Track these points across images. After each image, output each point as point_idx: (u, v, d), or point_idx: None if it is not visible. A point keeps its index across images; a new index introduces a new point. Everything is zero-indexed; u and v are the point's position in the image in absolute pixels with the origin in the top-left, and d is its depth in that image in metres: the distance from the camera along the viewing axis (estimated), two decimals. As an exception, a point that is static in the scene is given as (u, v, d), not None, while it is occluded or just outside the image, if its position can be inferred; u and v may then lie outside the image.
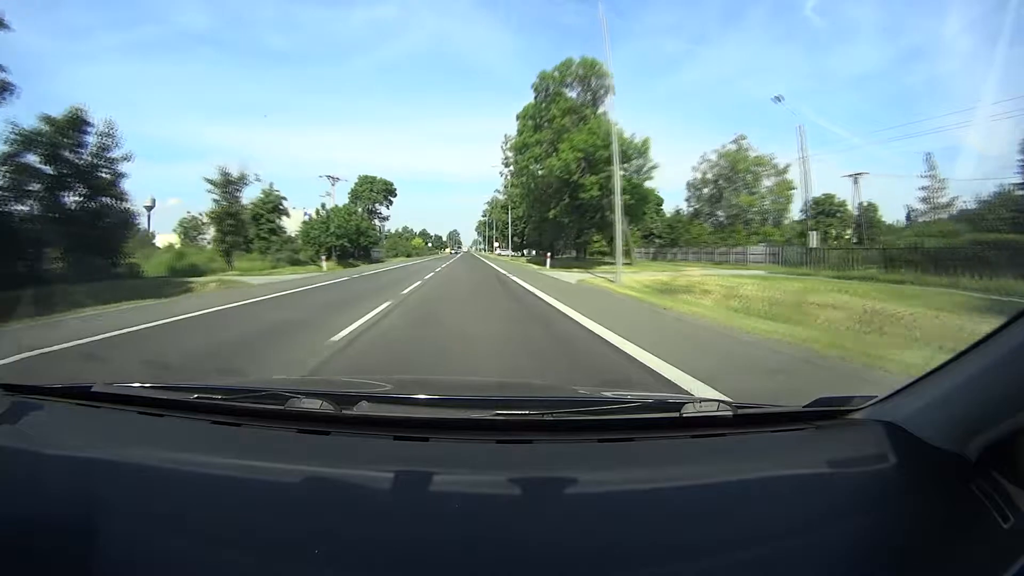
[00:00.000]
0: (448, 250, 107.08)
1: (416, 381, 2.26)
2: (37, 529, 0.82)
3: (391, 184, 60.05)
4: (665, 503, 0.91)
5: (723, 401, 1.23)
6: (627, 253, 24.82)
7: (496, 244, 78.68)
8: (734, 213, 37.76)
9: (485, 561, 0.76)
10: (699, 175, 40.24)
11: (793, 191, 35.34)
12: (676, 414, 1.14)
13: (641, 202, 28.90)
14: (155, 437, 1.14)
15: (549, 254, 29.07)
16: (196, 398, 1.26)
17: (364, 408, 1.17)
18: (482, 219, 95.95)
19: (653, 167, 28.42)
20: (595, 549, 0.78)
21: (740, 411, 1.13)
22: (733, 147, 38.35)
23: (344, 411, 1.14)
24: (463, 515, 0.86)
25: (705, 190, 40.14)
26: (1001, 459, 0.85)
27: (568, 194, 27.68)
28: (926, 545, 0.79)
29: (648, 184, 28.98)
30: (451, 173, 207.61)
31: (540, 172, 28.99)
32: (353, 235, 39.86)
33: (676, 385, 3.69)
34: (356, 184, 57.37)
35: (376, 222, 56.85)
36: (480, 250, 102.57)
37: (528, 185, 33.83)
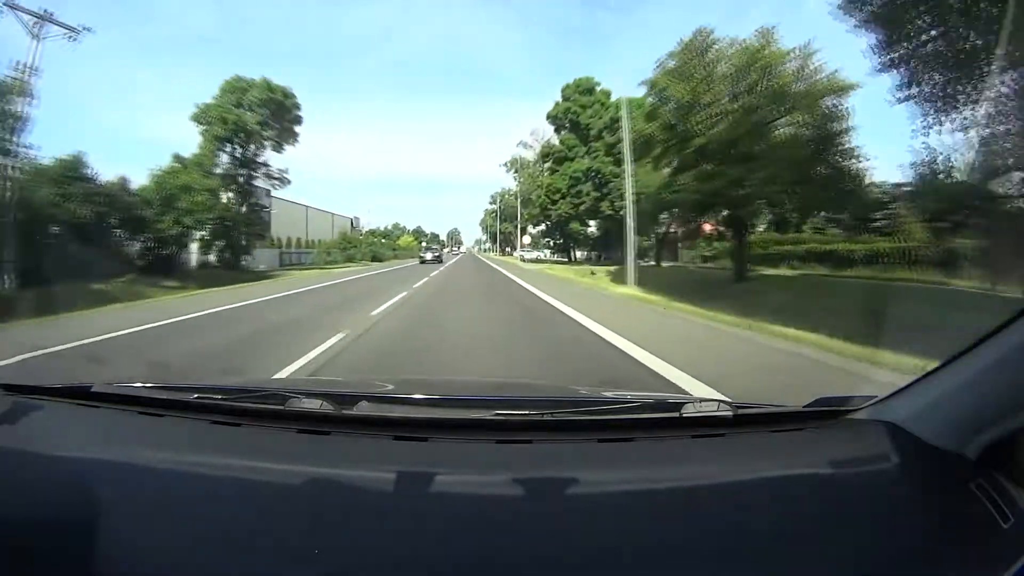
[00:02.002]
0: (429, 253, 46.84)
1: (416, 381, 2.26)
2: (37, 529, 0.82)
3: (291, 96, 26.09)
4: (665, 503, 0.91)
5: (723, 401, 1.23)
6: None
7: (525, 240, 47.45)
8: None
9: (485, 561, 0.76)
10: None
11: None
12: (676, 414, 1.14)
13: None
14: (155, 437, 1.14)
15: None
16: (196, 398, 1.26)
17: (364, 408, 1.17)
18: (490, 207, 70.25)
19: None
20: (595, 549, 0.78)
21: (740, 411, 1.13)
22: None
23: (344, 411, 1.14)
24: (463, 515, 0.86)
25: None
26: (1001, 459, 0.85)
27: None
28: (926, 545, 0.79)
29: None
30: (451, 174, 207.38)
31: None
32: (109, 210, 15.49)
33: (675, 384, 3.68)
34: (215, 99, 24.10)
35: (261, 184, 26.86)
36: (484, 250, 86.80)
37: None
